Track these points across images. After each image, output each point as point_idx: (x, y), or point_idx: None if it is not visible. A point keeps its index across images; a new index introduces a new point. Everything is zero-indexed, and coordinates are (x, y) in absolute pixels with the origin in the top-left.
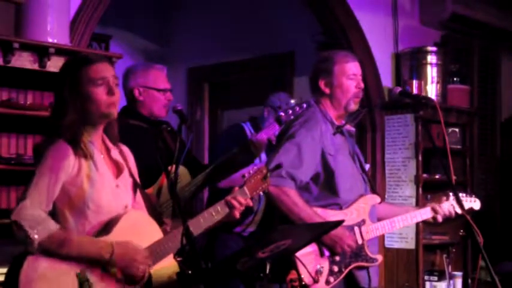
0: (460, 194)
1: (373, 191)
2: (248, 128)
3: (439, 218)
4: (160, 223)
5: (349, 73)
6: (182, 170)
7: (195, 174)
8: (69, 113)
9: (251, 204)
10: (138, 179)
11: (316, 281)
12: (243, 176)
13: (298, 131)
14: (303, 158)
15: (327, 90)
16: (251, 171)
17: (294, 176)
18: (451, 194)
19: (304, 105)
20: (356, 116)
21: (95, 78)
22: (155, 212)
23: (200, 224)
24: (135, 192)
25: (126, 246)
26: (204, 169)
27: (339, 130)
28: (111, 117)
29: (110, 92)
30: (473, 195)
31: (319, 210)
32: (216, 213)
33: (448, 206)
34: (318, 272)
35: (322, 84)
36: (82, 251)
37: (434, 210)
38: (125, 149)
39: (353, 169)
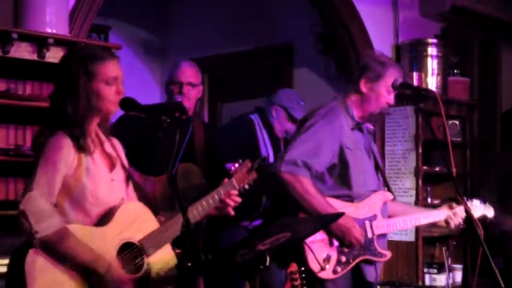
0: (475, 200)
1: (387, 188)
2: (256, 120)
3: (455, 221)
4: (156, 213)
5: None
6: (195, 168)
7: (215, 173)
8: (81, 106)
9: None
10: (129, 172)
11: (323, 269)
12: (230, 170)
13: (318, 122)
14: (320, 148)
15: (364, 90)
16: (237, 165)
17: (310, 165)
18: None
19: None
20: (379, 118)
21: (108, 77)
22: (148, 202)
23: (193, 215)
24: (127, 184)
25: (119, 275)
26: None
27: (357, 126)
28: (113, 113)
29: (119, 92)
30: (488, 203)
31: (331, 200)
32: (208, 204)
33: (461, 209)
34: (326, 260)
35: (363, 82)
36: (78, 254)
37: (451, 207)
38: (116, 142)
39: (368, 165)
